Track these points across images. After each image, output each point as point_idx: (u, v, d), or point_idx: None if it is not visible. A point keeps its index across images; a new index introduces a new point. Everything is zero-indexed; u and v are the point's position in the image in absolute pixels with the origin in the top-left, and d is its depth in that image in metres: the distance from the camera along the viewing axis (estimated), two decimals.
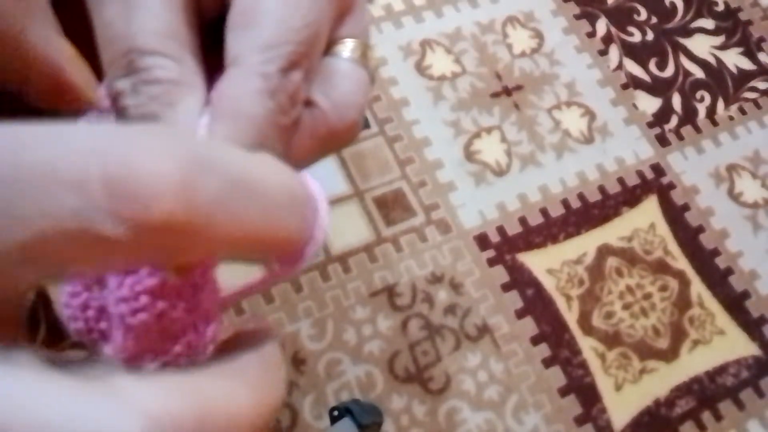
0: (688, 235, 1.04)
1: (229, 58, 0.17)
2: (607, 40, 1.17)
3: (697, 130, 1.13)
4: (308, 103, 0.18)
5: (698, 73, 1.18)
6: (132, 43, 0.16)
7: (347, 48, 0.19)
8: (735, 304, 1.00)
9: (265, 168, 0.13)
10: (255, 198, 0.12)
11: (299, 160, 0.18)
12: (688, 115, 1.14)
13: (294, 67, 0.17)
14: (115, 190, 0.10)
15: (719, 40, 1.22)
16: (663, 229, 1.03)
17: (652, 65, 1.16)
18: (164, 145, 0.11)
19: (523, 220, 1.00)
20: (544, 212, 1.01)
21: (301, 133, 0.18)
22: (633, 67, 1.16)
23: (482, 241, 0.97)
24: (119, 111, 0.16)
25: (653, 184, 1.06)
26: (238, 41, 0.17)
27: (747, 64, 1.20)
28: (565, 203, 1.02)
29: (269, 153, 0.16)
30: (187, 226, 0.11)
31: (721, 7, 1.25)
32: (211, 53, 0.18)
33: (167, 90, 0.16)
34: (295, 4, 0.17)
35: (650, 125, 1.11)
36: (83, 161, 0.10)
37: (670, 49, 1.19)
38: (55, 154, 0.10)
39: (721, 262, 1.03)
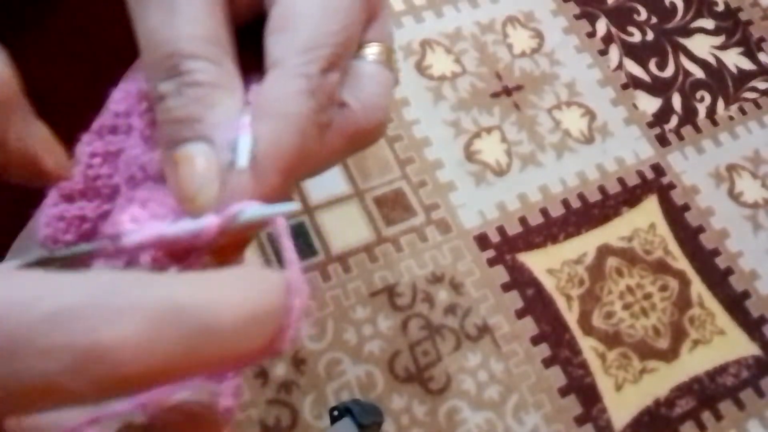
0: (688, 235, 1.04)
1: (270, 60, 0.17)
2: (607, 40, 1.17)
3: (697, 130, 1.13)
4: (338, 104, 0.19)
5: (698, 73, 1.18)
6: (175, 47, 0.17)
7: (373, 51, 0.20)
8: (735, 304, 1.00)
9: (225, 295, 0.13)
10: (214, 336, 0.13)
11: (328, 159, 0.19)
12: (688, 115, 1.14)
13: (332, 68, 0.17)
14: (80, 358, 0.12)
15: (719, 40, 1.22)
16: (663, 229, 1.03)
17: (652, 65, 1.17)
18: (126, 308, 0.12)
19: (523, 220, 1.00)
20: (544, 212, 1.01)
21: (332, 132, 0.18)
22: (633, 67, 1.16)
23: (482, 241, 0.97)
24: (161, 113, 0.17)
25: (653, 184, 1.06)
26: (278, 44, 0.17)
27: (747, 64, 1.21)
28: (565, 203, 1.02)
29: (307, 151, 0.17)
30: (146, 377, 0.12)
31: (721, 7, 1.25)
32: (242, 56, 0.19)
33: (208, 92, 0.17)
34: (332, 10, 0.18)
35: (650, 125, 1.11)
36: (52, 333, 0.12)
37: (670, 49, 1.19)
38: (28, 325, 0.12)
39: (721, 262, 1.03)
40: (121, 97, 0.19)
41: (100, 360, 0.12)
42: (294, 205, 0.16)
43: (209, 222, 0.16)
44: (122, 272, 0.15)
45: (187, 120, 0.17)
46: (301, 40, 0.17)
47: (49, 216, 0.18)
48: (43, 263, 0.15)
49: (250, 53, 0.18)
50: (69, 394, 0.12)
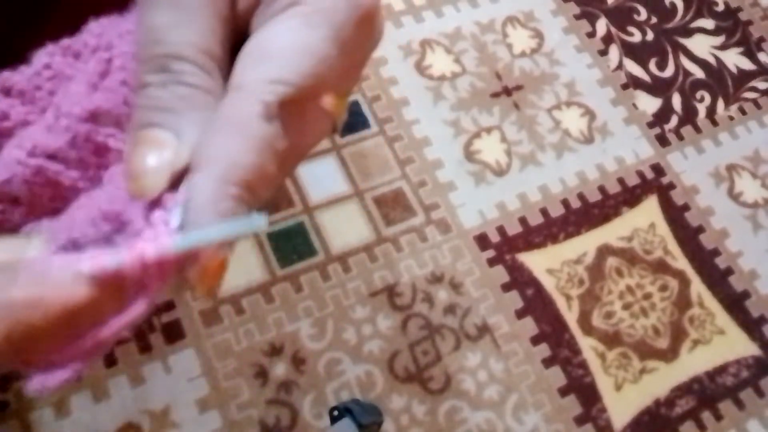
0: (688, 235, 1.04)
1: (233, 82, 0.18)
2: (607, 40, 1.17)
3: (697, 129, 1.13)
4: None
5: (698, 73, 1.18)
6: (173, 50, 0.17)
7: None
8: (735, 303, 1.00)
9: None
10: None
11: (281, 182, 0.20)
12: (688, 115, 1.14)
13: (295, 105, 0.18)
14: None
15: (719, 40, 1.22)
16: (663, 229, 1.03)
17: (652, 65, 1.16)
18: None
19: (523, 220, 1.00)
20: (544, 212, 1.01)
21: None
22: (633, 67, 1.15)
23: (482, 240, 0.97)
24: (141, 98, 0.18)
25: (653, 183, 1.06)
26: (246, 71, 0.18)
27: (747, 64, 1.20)
28: (565, 203, 1.02)
29: (265, 172, 0.17)
30: None
31: (721, 7, 1.25)
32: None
33: (193, 93, 0.17)
34: (306, 53, 0.18)
35: (650, 125, 1.11)
36: None
37: (670, 49, 1.19)
38: None
39: (721, 262, 1.03)
40: (98, 33, 0.19)
41: None
42: (262, 220, 0.16)
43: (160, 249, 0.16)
44: None
45: (165, 109, 0.17)
46: (269, 73, 0.18)
47: None
48: None
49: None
50: None
